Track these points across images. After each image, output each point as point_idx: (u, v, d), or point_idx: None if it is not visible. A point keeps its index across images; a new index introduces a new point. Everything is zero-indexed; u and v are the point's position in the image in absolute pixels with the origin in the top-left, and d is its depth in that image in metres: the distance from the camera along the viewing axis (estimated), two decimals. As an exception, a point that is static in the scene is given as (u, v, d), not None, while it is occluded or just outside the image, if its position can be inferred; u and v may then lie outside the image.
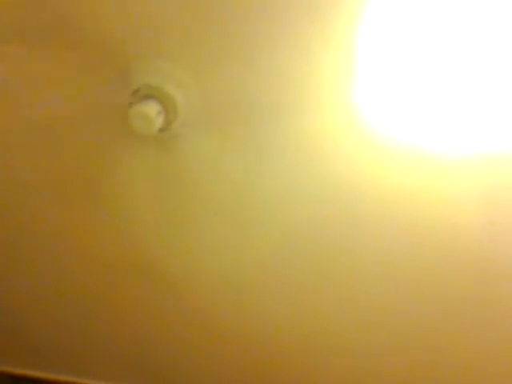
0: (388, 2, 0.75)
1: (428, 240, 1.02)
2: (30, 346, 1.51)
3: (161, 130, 0.88)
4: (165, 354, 1.41)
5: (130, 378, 1.52)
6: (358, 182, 0.96)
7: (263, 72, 0.85)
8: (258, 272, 1.15)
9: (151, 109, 0.83)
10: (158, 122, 0.84)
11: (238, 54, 0.83)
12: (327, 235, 1.05)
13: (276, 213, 1.04)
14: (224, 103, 0.89)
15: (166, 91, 0.85)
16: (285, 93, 0.87)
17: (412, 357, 1.24)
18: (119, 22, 0.82)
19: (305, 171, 0.96)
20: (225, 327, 1.29)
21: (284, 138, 0.92)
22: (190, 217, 1.08)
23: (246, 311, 1.24)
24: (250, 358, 1.35)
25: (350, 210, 1.01)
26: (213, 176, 1.00)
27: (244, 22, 0.80)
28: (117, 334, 1.39)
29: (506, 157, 0.88)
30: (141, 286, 1.23)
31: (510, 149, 0.87)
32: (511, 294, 1.06)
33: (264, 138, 0.93)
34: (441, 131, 0.87)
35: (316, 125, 0.90)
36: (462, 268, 1.05)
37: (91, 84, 0.90)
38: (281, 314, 1.22)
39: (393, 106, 0.86)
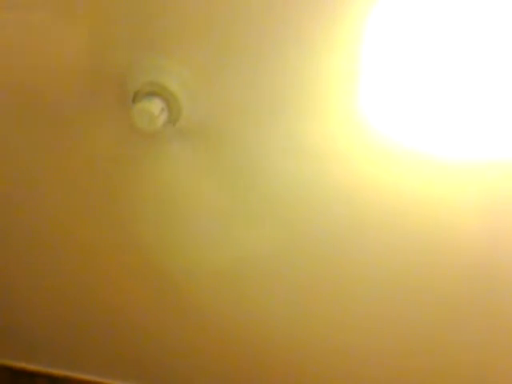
0: (393, 5, 0.75)
1: (429, 244, 1.01)
2: (29, 340, 1.51)
3: (163, 127, 0.88)
4: (162, 351, 1.41)
5: (127, 374, 1.52)
6: (361, 185, 0.95)
7: (267, 73, 0.85)
8: (256, 273, 1.15)
9: (154, 106, 0.83)
10: (161, 119, 0.84)
11: (242, 54, 0.83)
12: (327, 237, 1.05)
13: (276, 214, 1.04)
14: (227, 103, 0.89)
15: (170, 89, 0.85)
16: (288, 95, 0.86)
17: (411, 362, 1.24)
18: (123, 17, 0.82)
19: (306, 173, 0.96)
20: (223, 327, 1.29)
21: (286, 139, 0.92)
22: (190, 215, 1.08)
23: (245, 312, 1.24)
24: (248, 358, 1.35)
25: (351, 213, 1.00)
26: (214, 175, 1.00)
27: (248, 24, 0.80)
28: (114, 329, 1.39)
29: (507, 162, 0.88)
30: (139, 282, 1.24)
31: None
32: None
33: (266, 139, 0.93)
34: (444, 136, 0.87)
35: (319, 128, 0.90)
36: (462, 272, 1.04)
37: (94, 81, 0.90)
38: (281, 316, 1.22)
39: (397, 110, 0.85)
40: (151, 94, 0.85)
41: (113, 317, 1.35)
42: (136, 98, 0.86)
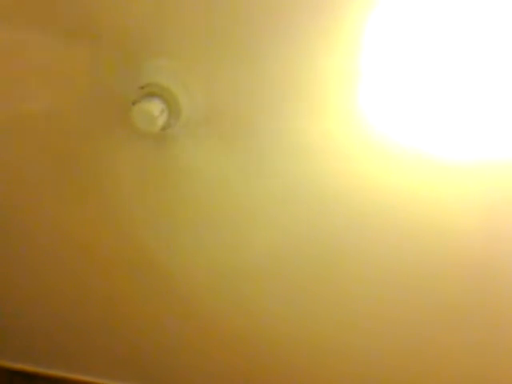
0: (394, 4, 0.75)
1: (428, 245, 1.02)
2: (27, 341, 1.51)
3: (163, 128, 0.87)
4: (162, 351, 1.41)
5: (126, 375, 1.52)
6: (360, 185, 0.96)
7: (266, 73, 0.85)
8: (256, 272, 1.15)
9: (154, 107, 0.83)
10: (161, 120, 0.84)
11: (241, 55, 0.83)
12: (326, 237, 1.05)
13: (276, 215, 1.04)
14: (227, 104, 0.89)
15: (170, 90, 0.85)
16: (287, 94, 0.86)
17: (411, 362, 1.24)
18: (124, 19, 0.82)
19: (306, 173, 0.96)
20: (223, 327, 1.29)
21: (286, 139, 0.92)
22: (189, 215, 1.08)
23: (244, 312, 1.24)
24: (248, 358, 1.35)
25: (350, 213, 1.00)
26: (212, 175, 1.00)
27: (248, 24, 0.80)
28: (114, 330, 1.39)
29: (507, 162, 0.88)
30: (137, 282, 1.23)
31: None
32: (512, 300, 1.07)
33: (266, 140, 0.93)
34: (445, 136, 0.87)
35: (319, 127, 0.90)
36: (462, 272, 1.05)
37: (94, 81, 0.90)
38: (281, 316, 1.22)
39: (397, 109, 0.85)
40: (151, 95, 0.85)
41: (112, 318, 1.35)
42: (136, 98, 0.85)
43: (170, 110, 0.86)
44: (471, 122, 0.85)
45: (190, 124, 0.91)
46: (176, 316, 1.30)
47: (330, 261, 1.09)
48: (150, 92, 0.85)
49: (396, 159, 0.91)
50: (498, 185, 0.91)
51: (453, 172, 0.91)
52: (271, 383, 1.40)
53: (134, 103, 0.84)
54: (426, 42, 0.78)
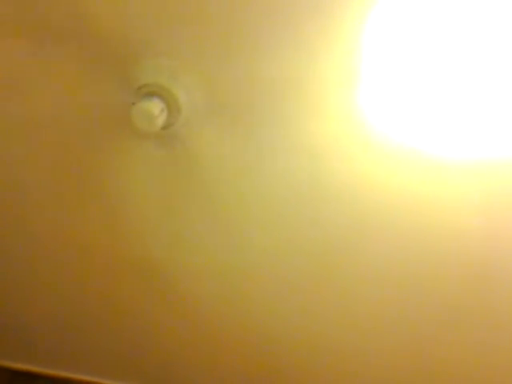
0: (393, 4, 0.75)
1: (428, 244, 1.02)
2: (29, 341, 1.51)
3: (163, 128, 0.88)
4: (162, 352, 1.41)
5: (127, 375, 1.52)
6: (360, 184, 0.95)
7: (266, 73, 0.85)
8: (257, 272, 1.15)
9: (154, 106, 0.83)
10: (161, 119, 0.84)
11: (242, 55, 0.83)
12: (327, 236, 1.05)
13: (276, 214, 1.04)
14: (227, 103, 0.89)
15: (170, 89, 0.85)
16: (288, 94, 0.86)
17: (411, 361, 1.24)
18: (123, 19, 0.82)
19: (306, 173, 0.96)
20: (224, 327, 1.29)
21: (286, 139, 0.92)
22: (190, 215, 1.08)
23: (245, 312, 1.24)
24: (248, 358, 1.35)
25: (351, 213, 1.00)
26: (213, 175, 1.00)
27: (247, 24, 0.80)
28: (113, 330, 1.39)
29: (507, 162, 0.88)
30: (138, 283, 1.24)
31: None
32: None
33: (266, 139, 0.93)
34: (444, 136, 0.87)
35: (319, 127, 0.90)
36: (461, 272, 1.05)
37: (94, 81, 0.90)
38: (282, 316, 1.23)
39: (397, 109, 0.85)
40: (150, 95, 0.85)
41: (113, 318, 1.35)
42: (135, 98, 0.85)
43: (169, 110, 0.86)
44: (471, 122, 0.85)
45: (189, 123, 0.91)
46: (176, 316, 1.30)
47: (331, 260, 1.09)
48: (150, 92, 0.85)
49: (396, 159, 0.91)
50: (498, 185, 0.91)
51: (453, 172, 0.91)
52: (271, 383, 1.40)
53: (133, 103, 0.85)
54: (425, 41, 0.78)
